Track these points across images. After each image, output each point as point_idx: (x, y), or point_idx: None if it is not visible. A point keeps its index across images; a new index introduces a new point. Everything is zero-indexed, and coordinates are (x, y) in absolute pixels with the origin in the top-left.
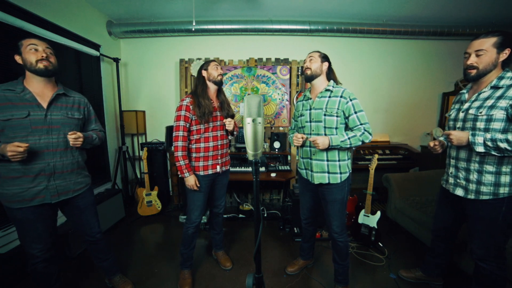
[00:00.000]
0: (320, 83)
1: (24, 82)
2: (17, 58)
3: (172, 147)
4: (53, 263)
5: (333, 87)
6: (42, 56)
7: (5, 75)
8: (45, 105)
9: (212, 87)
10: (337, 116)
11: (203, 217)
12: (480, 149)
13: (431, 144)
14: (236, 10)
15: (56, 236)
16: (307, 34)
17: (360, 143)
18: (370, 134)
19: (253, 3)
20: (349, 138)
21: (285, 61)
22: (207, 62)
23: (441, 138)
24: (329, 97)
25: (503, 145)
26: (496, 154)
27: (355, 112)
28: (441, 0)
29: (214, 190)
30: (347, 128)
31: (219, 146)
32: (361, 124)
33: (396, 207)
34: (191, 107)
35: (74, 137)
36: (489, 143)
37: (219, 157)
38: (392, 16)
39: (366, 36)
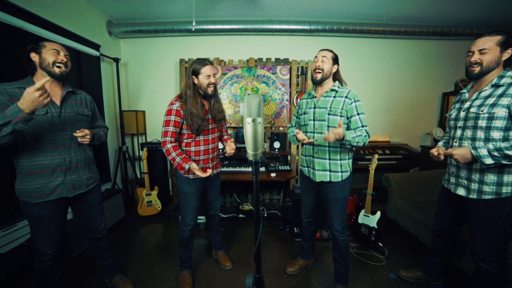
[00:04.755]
0: (326, 83)
1: (35, 80)
2: (33, 55)
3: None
4: (58, 263)
5: (338, 87)
6: (62, 60)
7: (6, 75)
8: (58, 103)
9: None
10: (340, 116)
11: (203, 217)
12: (489, 161)
13: (435, 152)
14: (236, 10)
15: (65, 235)
16: (307, 34)
17: (362, 143)
18: (369, 136)
19: (253, 3)
20: (357, 136)
21: (285, 61)
22: (200, 66)
23: (441, 144)
24: (334, 97)
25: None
26: (506, 162)
27: (358, 114)
28: (441, 0)
29: (207, 192)
30: (348, 129)
31: (210, 150)
32: (362, 126)
33: (396, 207)
34: (181, 111)
35: (81, 135)
36: (495, 153)
37: (209, 161)
38: (392, 16)
39: (366, 36)
